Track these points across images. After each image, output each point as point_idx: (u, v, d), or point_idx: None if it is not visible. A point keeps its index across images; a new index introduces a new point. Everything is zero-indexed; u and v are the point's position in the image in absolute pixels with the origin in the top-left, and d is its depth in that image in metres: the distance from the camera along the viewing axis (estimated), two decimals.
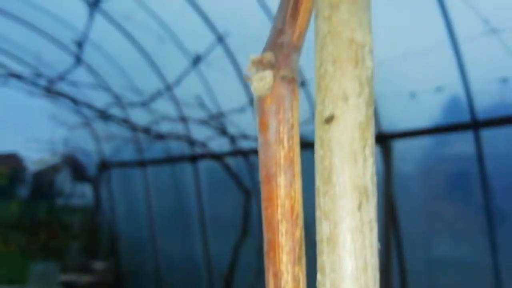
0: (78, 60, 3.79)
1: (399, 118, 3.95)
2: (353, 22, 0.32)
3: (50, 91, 3.72)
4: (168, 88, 4.14)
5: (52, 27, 5.25)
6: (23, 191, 14.57)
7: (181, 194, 6.08)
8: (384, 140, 3.68)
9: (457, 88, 3.21)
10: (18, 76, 3.55)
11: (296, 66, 0.37)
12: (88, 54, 5.16)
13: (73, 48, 3.26)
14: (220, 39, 4.25)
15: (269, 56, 0.36)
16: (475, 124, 3.12)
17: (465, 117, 3.18)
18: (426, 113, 3.69)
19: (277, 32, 0.37)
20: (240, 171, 4.85)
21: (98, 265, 6.77)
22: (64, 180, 11.65)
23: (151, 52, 4.94)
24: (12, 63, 5.43)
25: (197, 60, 3.92)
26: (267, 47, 0.37)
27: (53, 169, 11.98)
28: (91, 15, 3.43)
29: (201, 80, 4.61)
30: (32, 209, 12.98)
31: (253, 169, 4.76)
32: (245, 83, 4.38)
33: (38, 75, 3.65)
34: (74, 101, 4.09)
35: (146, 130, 4.37)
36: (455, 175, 3.83)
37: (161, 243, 6.28)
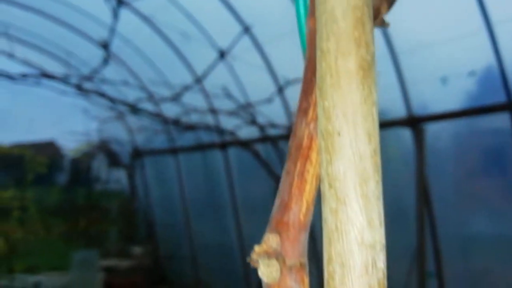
0: (108, 56, 3.83)
1: (432, 101, 3.87)
2: (362, 219, 0.30)
3: (81, 89, 3.80)
4: (197, 80, 4.15)
5: (82, 23, 5.32)
6: (62, 178, 15.05)
7: (212, 180, 6.15)
8: (415, 123, 3.63)
9: (491, 70, 3.12)
10: (50, 76, 3.64)
11: (305, 247, 0.34)
12: (118, 49, 5.21)
13: (103, 44, 3.29)
14: (247, 30, 4.21)
15: (274, 243, 0.34)
16: (511, 105, 3.04)
17: (500, 99, 3.09)
18: (459, 96, 3.60)
19: (283, 207, 0.35)
20: (269, 157, 4.85)
21: (136, 250, 6.97)
22: (100, 167, 11.94)
23: (180, 45, 4.95)
24: (44, 60, 5.55)
25: (224, 52, 3.91)
26: (272, 226, 0.34)
27: (89, 156, 12.28)
28: (119, 10, 3.44)
29: (229, 71, 4.60)
30: (71, 195, 13.41)
31: (282, 156, 4.76)
32: (272, 73, 4.34)
33: (69, 74, 3.73)
34: (105, 97, 4.17)
35: (176, 122, 4.41)
36: (489, 156, 3.74)
37: (196, 228, 6.40)
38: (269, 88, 4.19)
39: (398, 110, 3.70)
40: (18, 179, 10.84)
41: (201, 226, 6.41)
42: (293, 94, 4.27)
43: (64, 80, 3.61)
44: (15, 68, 4.12)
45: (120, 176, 9.61)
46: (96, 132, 8.63)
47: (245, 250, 5.40)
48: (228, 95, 3.91)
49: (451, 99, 3.59)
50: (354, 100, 0.29)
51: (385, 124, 3.92)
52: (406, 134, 3.76)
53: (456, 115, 3.55)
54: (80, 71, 4.85)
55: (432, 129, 3.70)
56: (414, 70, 3.40)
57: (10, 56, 3.77)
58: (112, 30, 3.91)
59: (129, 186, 8.54)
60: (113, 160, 9.96)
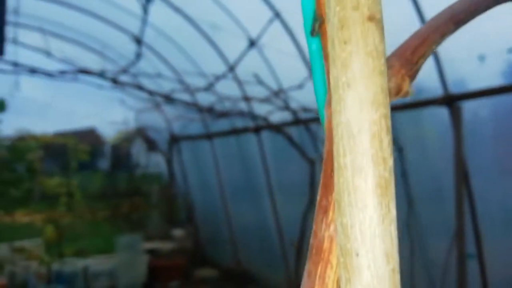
0: (141, 49, 3.89)
1: (469, 79, 3.76)
2: None
3: (117, 83, 3.89)
4: (230, 68, 4.17)
5: (115, 16, 5.40)
6: (104, 164, 15.55)
7: (248, 163, 6.21)
8: (452, 101, 3.53)
9: None
10: (87, 72, 3.75)
11: None
12: (152, 40, 5.27)
13: (136, 38, 3.35)
14: (277, 15, 4.17)
15: None
16: None
17: None
18: (497, 73, 3.47)
19: None
20: (302, 141, 4.85)
21: (177, 232, 7.17)
22: (139, 153, 12.25)
23: (211, 34, 4.97)
24: (80, 54, 5.69)
25: (255, 40, 3.89)
26: None
27: (128, 143, 12.60)
28: (148, 5, 3.47)
29: (261, 58, 4.59)
30: (113, 180, 13.85)
31: (315, 139, 4.74)
32: (303, 58, 4.29)
33: (105, 69, 3.83)
34: (141, 88, 4.26)
35: (210, 110, 4.46)
36: None
37: (233, 211, 6.51)
38: (301, 72, 4.16)
39: (434, 89, 3.61)
40: (63, 167, 11.27)
41: (239, 209, 6.51)
42: None
43: (101, 75, 3.71)
44: (52, 64, 4.27)
45: (158, 162, 9.84)
46: (134, 121, 8.86)
47: (282, 231, 5.46)
48: (260, 82, 3.90)
49: (489, 76, 3.47)
50: (372, 220, 0.29)
51: (421, 104, 3.84)
52: (443, 112, 3.66)
53: (494, 92, 3.42)
54: (116, 64, 4.94)
55: (469, 107, 3.60)
56: (450, 48, 3.29)
57: (47, 53, 3.90)
58: (144, 22, 3.96)
59: (167, 171, 8.74)
60: (151, 146, 10.18)
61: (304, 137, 4.83)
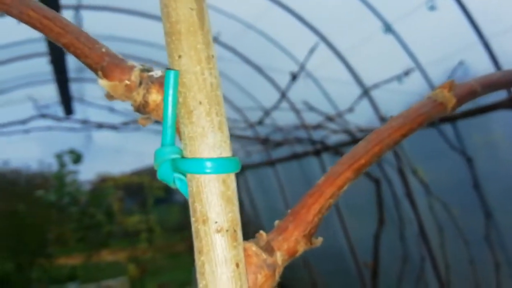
0: None
1: None
2: None
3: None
4: (282, 97, 4.16)
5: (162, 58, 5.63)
6: (178, 197, 16.06)
7: (311, 186, 6.11)
8: None
9: None
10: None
11: None
12: None
13: None
14: (323, 39, 4.13)
15: None
16: None
17: None
18: None
19: None
20: None
21: None
22: None
23: (263, 65, 5.03)
24: None
25: (303, 66, 3.86)
26: None
27: None
28: None
29: (313, 83, 4.55)
30: (189, 211, 14.21)
31: None
32: (355, 78, 4.19)
33: None
34: None
35: (267, 140, 4.47)
36: None
37: None
38: (353, 93, 4.05)
39: (498, 93, 3.36)
40: (141, 204, 11.78)
41: None
42: (379, 96, 4.07)
43: (158, 122, 3.85)
44: (115, 117, 4.51)
45: None
46: None
47: (355, 250, 5.27)
48: (311, 108, 3.85)
49: None
50: None
51: (486, 109, 3.57)
52: (510, 116, 3.39)
53: None
54: None
55: None
56: (508, 53, 3.06)
57: (111, 108, 4.15)
58: None
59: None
60: None
61: None
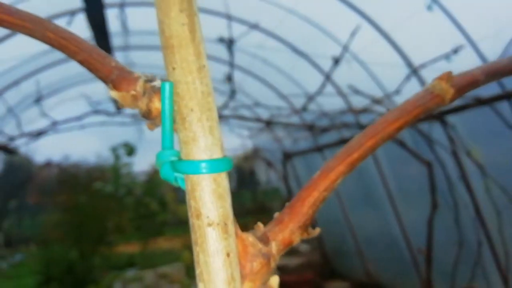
0: (234, 88, 4.05)
1: None
2: None
3: (221, 117, 4.13)
4: (326, 80, 4.12)
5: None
6: (231, 184, 16.41)
7: (362, 171, 6.02)
8: None
9: None
10: None
11: None
12: (252, 66, 5.47)
13: (227, 77, 3.50)
14: (367, 19, 4.03)
15: None
16: None
17: None
18: None
19: None
20: (416, 143, 4.56)
21: (303, 247, 7.20)
22: (257, 172, 12.70)
23: (307, 50, 5.00)
24: None
25: (347, 47, 3.80)
26: None
27: (249, 163, 13.13)
28: (232, 48, 3.62)
29: (359, 66, 4.47)
30: (239, 199, 14.51)
31: (430, 140, 4.42)
32: (403, 58, 4.07)
33: None
34: (243, 118, 4.46)
35: (313, 127, 4.45)
36: None
37: (356, 221, 6.34)
38: (401, 74, 3.94)
39: None
40: None
41: (360, 218, 6.32)
42: (428, 75, 3.94)
43: None
44: None
45: (275, 178, 10.06)
46: (249, 144, 9.22)
47: (409, 238, 5.16)
48: (356, 92, 3.79)
49: None
50: None
51: None
52: None
53: None
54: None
55: None
56: None
57: None
58: (232, 65, 4.13)
59: (284, 186, 8.86)
60: (268, 164, 10.46)
61: (418, 139, 4.54)
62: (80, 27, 3.63)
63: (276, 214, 0.43)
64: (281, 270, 6.31)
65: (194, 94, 0.37)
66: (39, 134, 4.70)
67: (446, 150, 4.20)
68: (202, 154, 0.36)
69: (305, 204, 0.41)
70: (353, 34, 3.55)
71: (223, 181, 0.37)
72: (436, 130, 4.32)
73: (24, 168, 14.16)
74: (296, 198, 0.42)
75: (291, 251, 6.46)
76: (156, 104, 0.40)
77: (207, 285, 0.35)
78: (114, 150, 8.11)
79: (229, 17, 3.59)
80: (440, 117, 4.17)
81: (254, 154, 10.99)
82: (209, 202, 0.36)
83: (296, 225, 0.40)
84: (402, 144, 4.45)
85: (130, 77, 0.42)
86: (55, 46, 0.44)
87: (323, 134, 5.81)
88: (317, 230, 0.43)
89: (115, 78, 0.42)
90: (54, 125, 4.57)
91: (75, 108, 5.41)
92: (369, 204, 6.07)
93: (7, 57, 4.25)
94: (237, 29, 4.12)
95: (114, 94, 0.42)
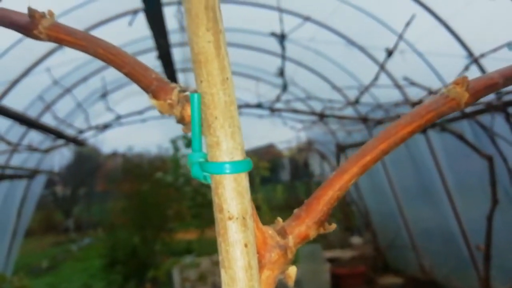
0: (286, 82, 4.06)
1: None
2: None
3: (274, 110, 4.17)
4: (382, 69, 4.02)
5: (265, 44, 5.76)
6: (284, 176, 16.47)
7: (418, 165, 5.84)
8: None
9: None
10: (249, 106, 4.10)
11: None
12: (306, 59, 5.44)
13: (279, 71, 3.54)
14: (424, 7, 3.89)
15: None
16: None
17: None
18: None
19: None
20: (476, 136, 4.36)
21: (356, 240, 7.12)
22: (311, 163, 12.64)
23: (361, 41, 4.91)
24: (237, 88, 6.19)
25: (401, 37, 3.69)
26: None
27: (301, 156, 13.10)
28: (284, 42, 3.63)
29: (417, 56, 4.34)
30: (293, 190, 14.53)
31: (491, 132, 4.21)
32: (463, 47, 3.89)
33: (261, 101, 4.15)
34: (296, 111, 4.47)
35: (368, 119, 4.37)
36: None
37: (410, 214, 6.18)
38: (460, 64, 3.77)
39: None
40: (249, 183, 12.33)
41: (415, 212, 6.14)
42: (490, 65, 3.74)
43: (259, 106, 4.03)
44: None
45: (329, 170, 9.97)
46: (303, 136, 9.20)
47: (466, 233, 4.96)
48: (414, 83, 3.67)
49: None
50: None
51: None
52: None
53: None
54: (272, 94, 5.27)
55: None
56: None
57: None
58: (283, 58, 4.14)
59: None
60: (321, 156, 10.39)
61: (478, 132, 4.34)
62: (142, 25, 3.81)
63: (295, 211, 0.47)
64: (333, 262, 6.29)
65: (218, 103, 0.42)
66: (104, 127, 5.00)
67: (509, 143, 3.98)
68: (225, 157, 0.41)
69: (321, 202, 0.45)
70: (408, 23, 3.44)
71: (243, 180, 0.42)
72: (498, 122, 4.10)
73: (92, 158, 15.07)
74: (312, 196, 0.46)
75: (343, 244, 6.42)
76: (188, 112, 0.46)
77: (228, 271, 0.40)
78: (173, 142, 8.42)
79: (280, 10, 3.61)
80: (503, 108, 3.96)
81: (308, 146, 10.95)
82: (230, 198, 0.40)
83: (312, 220, 0.44)
84: (461, 137, 4.27)
85: (167, 87, 0.48)
86: (105, 60, 0.51)
87: (378, 126, 5.69)
88: (333, 226, 0.46)
89: (155, 88, 0.48)
90: (118, 119, 4.84)
91: (138, 102, 5.68)
92: (425, 198, 5.88)
93: (75, 56, 4.55)
94: (289, 22, 4.13)
95: (153, 102, 0.48)
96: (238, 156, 0.41)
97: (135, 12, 4.34)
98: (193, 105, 0.43)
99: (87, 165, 14.81)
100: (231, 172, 0.41)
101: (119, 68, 0.50)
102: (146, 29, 3.57)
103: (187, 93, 0.46)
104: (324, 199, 0.45)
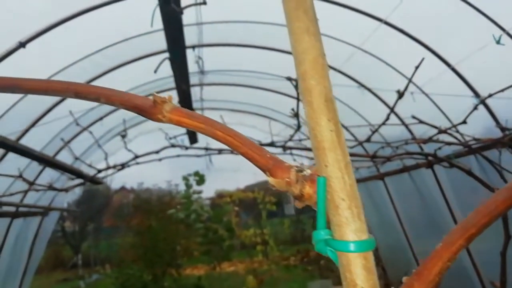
0: (299, 123, 4.16)
1: None
2: None
3: (286, 148, 4.25)
4: (391, 111, 4.10)
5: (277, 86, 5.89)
6: (290, 211, 16.35)
7: (426, 199, 5.82)
8: None
9: None
10: (261, 145, 4.18)
11: None
12: None
13: (294, 113, 3.63)
14: (432, 51, 4.01)
15: None
16: None
17: None
18: None
19: None
20: (484, 170, 4.38)
21: None
22: None
23: (370, 83, 5.02)
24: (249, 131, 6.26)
25: (410, 81, 3.79)
26: None
27: None
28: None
29: (425, 97, 4.44)
30: (300, 224, 14.39)
31: (499, 167, 4.23)
32: (469, 88, 3.97)
33: (274, 141, 4.23)
34: (306, 149, 4.55)
35: (375, 156, 4.42)
36: None
37: (420, 249, 6.10)
38: (466, 104, 3.85)
39: None
40: (255, 218, 12.26)
41: (425, 246, 6.07)
42: (496, 105, 3.82)
43: (272, 145, 4.10)
44: None
45: None
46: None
47: (479, 269, 4.89)
48: (422, 121, 3.73)
49: None
50: None
51: None
52: None
53: None
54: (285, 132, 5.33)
55: None
56: None
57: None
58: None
59: None
60: None
61: (485, 167, 4.36)
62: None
63: (404, 279, 0.50)
64: None
65: (344, 186, 0.46)
66: (122, 166, 5.04)
67: None
68: (353, 235, 0.45)
69: (432, 273, 0.48)
70: (417, 66, 3.54)
71: (371, 258, 0.45)
72: (506, 157, 4.14)
73: (103, 194, 15.03)
74: (422, 266, 0.49)
75: None
76: (307, 190, 0.50)
77: None
78: (186, 179, 8.46)
79: None
80: (510, 144, 4.00)
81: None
82: (362, 274, 0.44)
83: None
84: (469, 173, 4.29)
85: (283, 166, 0.52)
86: (222, 141, 0.55)
87: (385, 163, 5.72)
88: None
89: (272, 167, 0.52)
90: (136, 158, 4.89)
91: (152, 139, 5.76)
92: (434, 232, 5.83)
93: None
94: None
95: (271, 180, 0.52)
96: (365, 235, 0.45)
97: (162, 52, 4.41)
98: (319, 188, 0.47)
99: (97, 200, 14.76)
100: (359, 250, 0.44)
101: (236, 148, 0.55)
102: (167, 70, 3.67)
103: (305, 172, 0.51)
104: (435, 270, 0.48)
